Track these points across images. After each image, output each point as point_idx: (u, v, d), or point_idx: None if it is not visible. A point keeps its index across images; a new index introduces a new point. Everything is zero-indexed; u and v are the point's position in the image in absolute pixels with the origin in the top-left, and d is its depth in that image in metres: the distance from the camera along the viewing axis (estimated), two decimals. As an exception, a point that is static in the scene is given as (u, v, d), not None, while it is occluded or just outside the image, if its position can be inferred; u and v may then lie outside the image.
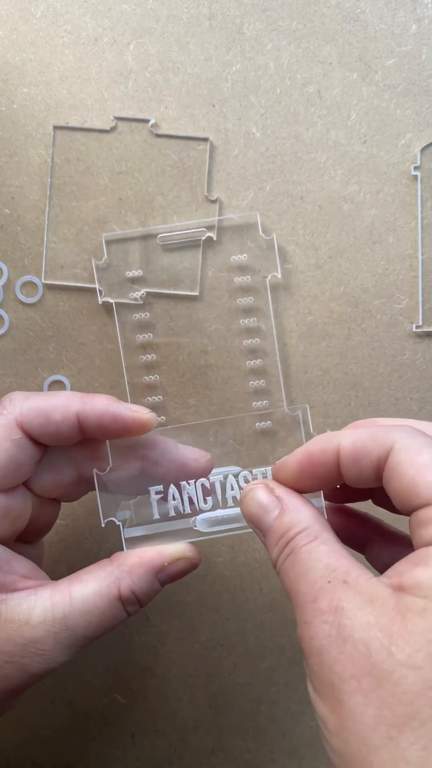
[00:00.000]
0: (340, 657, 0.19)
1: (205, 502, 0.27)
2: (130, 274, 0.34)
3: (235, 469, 0.28)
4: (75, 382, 0.34)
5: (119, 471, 0.27)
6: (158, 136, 0.34)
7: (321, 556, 0.21)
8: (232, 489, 0.27)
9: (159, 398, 0.34)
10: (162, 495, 0.27)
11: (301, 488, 0.24)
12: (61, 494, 0.28)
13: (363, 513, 0.27)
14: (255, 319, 0.34)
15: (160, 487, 0.27)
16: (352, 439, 0.22)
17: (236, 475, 0.27)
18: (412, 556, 0.20)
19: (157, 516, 0.27)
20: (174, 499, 0.27)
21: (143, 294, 0.34)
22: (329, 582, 0.20)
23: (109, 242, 0.33)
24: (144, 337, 0.34)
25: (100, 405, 0.25)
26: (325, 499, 0.25)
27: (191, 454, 0.27)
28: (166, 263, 0.34)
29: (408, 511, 0.21)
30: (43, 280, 0.34)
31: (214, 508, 0.27)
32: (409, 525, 0.21)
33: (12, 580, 0.24)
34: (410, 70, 0.34)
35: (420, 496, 0.20)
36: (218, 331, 0.34)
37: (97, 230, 0.34)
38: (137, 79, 0.34)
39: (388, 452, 0.21)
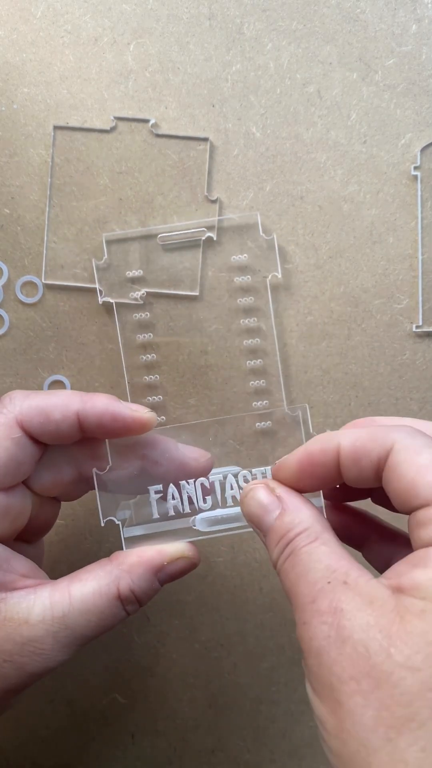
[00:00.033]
0: (340, 658, 0.18)
1: (205, 501, 0.27)
2: (130, 274, 0.34)
3: (235, 469, 0.28)
4: (75, 382, 0.34)
5: (119, 470, 0.27)
6: (158, 136, 0.34)
7: (321, 557, 0.21)
8: (232, 488, 0.27)
9: (159, 398, 0.34)
10: (161, 494, 0.27)
11: (300, 488, 0.24)
12: (61, 493, 0.28)
13: (361, 511, 0.27)
14: (255, 319, 0.34)
15: (160, 487, 0.27)
16: (352, 439, 0.22)
17: (236, 475, 0.27)
18: (410, 557, 0.20)
19: (156, 515, 0.27)
20: (173, 498, 0.27)
21: (143, 294, 0.34)
22: (329, 583, 0.20)
23: (109, 242, 0.33)
24: (144, 337, 0.34)
25: (100, 404, 0.25)
26: (324, 498, 0.25)
27: (191, 453, 0.27)
28: (166, 263, 0.34)
29: (407, 512, 0.21)
30: (43, 280, 0.34)
31: (213, 507, 0.27)
32: (408, 525, 0.21)
33: (11, 579, 0.24)
34: (410, 70, 0.34)
35: (419, 496, 0.20)
36: (218, 331, 0.34)
37: (97, 230, 0.34)
38: (137, 79, 0.34)
39: (388, 452, 0.21)
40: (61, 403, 0.25)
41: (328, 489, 0.26)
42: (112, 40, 0.34)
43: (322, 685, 0.19)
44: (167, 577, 0.26)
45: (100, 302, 0.33)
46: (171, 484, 0.27)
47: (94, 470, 0.27)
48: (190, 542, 0.26)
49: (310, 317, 0.34)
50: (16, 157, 0.34)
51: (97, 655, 0.35)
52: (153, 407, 0.29)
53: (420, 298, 0.34)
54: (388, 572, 0.20)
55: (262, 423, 0.30)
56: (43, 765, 0.36)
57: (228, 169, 0.34)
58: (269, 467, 0.27)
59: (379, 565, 0.26)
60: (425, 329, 0.34)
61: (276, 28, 0.34)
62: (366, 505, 0.26)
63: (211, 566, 0.35)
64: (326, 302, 0.34)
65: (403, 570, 0.20)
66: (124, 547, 0.26)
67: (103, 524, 0.26)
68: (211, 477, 0.27)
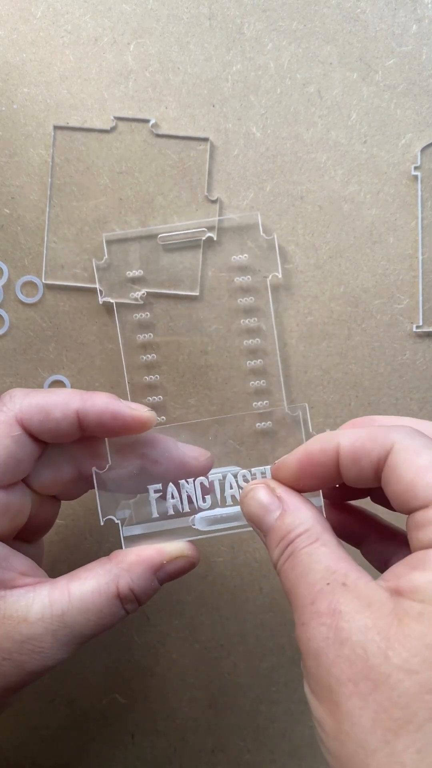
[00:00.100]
0: (338, 660, 0.19)
1: (204, 500, 0.27)
2: (130, 274, 0.34)
3: (235, 468, 0.28)
4: (75, 382, 0.34)
5: (118, 469, 0.27)
6: (158, 136, 0.34)
7: (321, 558, 0.21)
8: (231, 488, 0.27)
9: (159, 398, 0.34)
10: (161, 494, 0.27)
11: (300, 487, 0.24)
12: (61, 492, 0.28)
13: (360, 509, 0.27)
14: (255, 319, 0.34)
15: (159, 486, 0.27)
16: (352, 439, 0.22)
17: (235, 475, 0.27)
18: (409, 559, 0.20)
19: (156, 514, 0.27)
20: (173, 497, 0.27)
21: (143, 294, 0.34)
22: (328, 584, 0.20)
23: (109, 242, 0.33)
24: (144, 337, 0.34)
25: (100, 402, 0.25)
26: (323, 497, 0.25)
27: (191, 452, 0.27)
28: (166, 263, 0.34)
29: (406, 512, 0.21)
30: (43, 280, 0.34)
31: (212, 506, 0.27)
32: (407, 526, 0.21)
33: (11, 577, 0.24)
34: (410, 70, 0.34)
35: (418, 497, 0.20)
36: (218, 331, 0.34)
37: (98, 230, 0.34)
38: (137, 79, 0.34)
39: (388, 453, 0.21)
40: (61, 402, 0.25)
41: (327, 488, 0.26)
42: (112, 40, 0.34)
43: (321, 686, 0.19)
44: (166, 576, 0.26)
45: (101, 302, 0.33)
46: (170, 484, 0.27)
47: (94, 469, 0.27)
48: (190, 541, 0.26)
49: (310, 317, 0.34)
50: (16, 157, 0.34)
51: (97, 655, 0.35)
52: (153, 407, 0.29)
53: (420, 298, 0.34)
54: (387, 574, 0.20)
55: (262, 423, 0.30)
56: (43, 765, 0.36)
57: (228, 169, 0.34)
58: (269, 467, 0.27)
59: (378, 563, 0.26)
60: (425, 329, 0.34)
61: (276, 28, 0.34)
62: (365, 504, 0.26)
63: (211, 566, 0.35)
64: (326, 302, 0.34)
65: (402, 572, 0.19)
66: (123, 546, 0.26)
67: (102, 523, 0.26)
68: (211, 476, 0.27)
